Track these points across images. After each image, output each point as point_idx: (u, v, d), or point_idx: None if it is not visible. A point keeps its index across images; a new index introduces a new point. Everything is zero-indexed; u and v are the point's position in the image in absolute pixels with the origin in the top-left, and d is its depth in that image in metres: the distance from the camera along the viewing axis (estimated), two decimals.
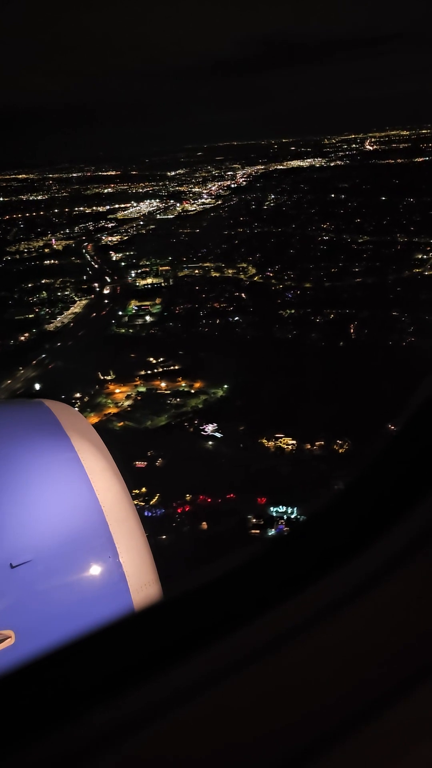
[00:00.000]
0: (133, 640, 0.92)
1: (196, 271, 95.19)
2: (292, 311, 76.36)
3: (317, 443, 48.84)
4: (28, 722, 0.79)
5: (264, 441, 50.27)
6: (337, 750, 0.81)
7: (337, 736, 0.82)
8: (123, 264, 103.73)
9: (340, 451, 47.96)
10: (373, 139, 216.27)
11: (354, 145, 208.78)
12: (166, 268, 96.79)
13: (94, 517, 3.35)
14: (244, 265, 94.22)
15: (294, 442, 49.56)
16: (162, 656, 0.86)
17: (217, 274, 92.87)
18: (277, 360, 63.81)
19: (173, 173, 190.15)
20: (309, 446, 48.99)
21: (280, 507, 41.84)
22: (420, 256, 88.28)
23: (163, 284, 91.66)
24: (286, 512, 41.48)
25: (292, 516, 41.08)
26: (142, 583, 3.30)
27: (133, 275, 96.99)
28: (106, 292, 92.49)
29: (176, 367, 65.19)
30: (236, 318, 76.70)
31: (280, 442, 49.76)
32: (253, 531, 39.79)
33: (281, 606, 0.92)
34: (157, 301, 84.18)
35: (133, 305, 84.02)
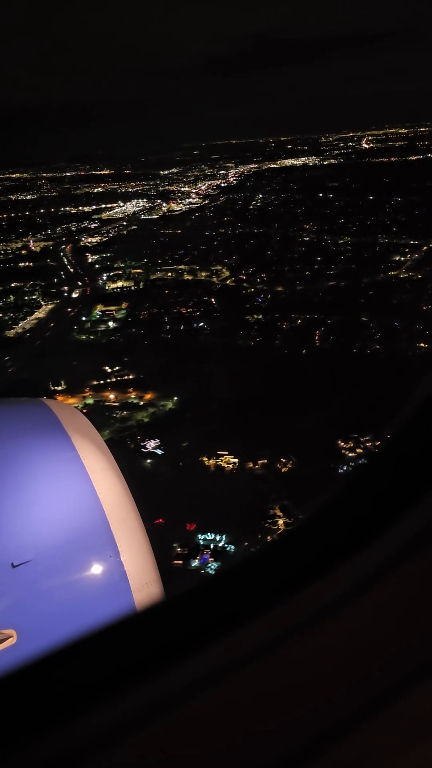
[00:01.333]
0: (135, 639, 0.92)
1: (169, 274, 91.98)
2: (259, 317, 73.17)
3: (260, 462, 45.65)
4: (28, 722, 0.79)
5: (205, 459, 47.12)
6: (337, 750, 0.81)
7: (337, 736, 0.81)
8: (97, 266, 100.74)
9: (283, 470, 44.79)
10: (370, 137, 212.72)
11: (351, 143, 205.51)
12: (139, 270, 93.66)
13: (95, 516, 3.29)
14: (219, 268, 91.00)
15: (236, 460, 46.39)
16: (163, 655, 0.85)
17: (190, 277, 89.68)
18: (235, 369, 60.76)
19: (166, 172, 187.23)
20: (251, 464, 45.81)
21: (209, 534, 38.78)
22: (397, 258, 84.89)
23: (132, 287, 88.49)
24: (213, 540, 38.42)
25: (220, 545, 38.01)
26: (143, 582, 3.24)
27: (104, 278, 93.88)
28: (74, 296, 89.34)
29: (130, 377, 62.11)
30: (201, 324, 73.60)
31: (221, 460, 46.58)
32: (175, 562, 36.72)
33: (281, 606, 0.91)
34: (123, 305, 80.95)
35: (98, 310, 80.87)
